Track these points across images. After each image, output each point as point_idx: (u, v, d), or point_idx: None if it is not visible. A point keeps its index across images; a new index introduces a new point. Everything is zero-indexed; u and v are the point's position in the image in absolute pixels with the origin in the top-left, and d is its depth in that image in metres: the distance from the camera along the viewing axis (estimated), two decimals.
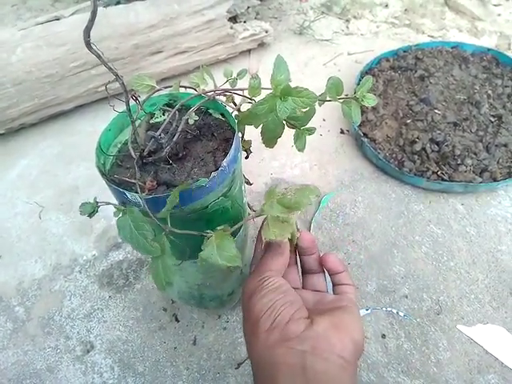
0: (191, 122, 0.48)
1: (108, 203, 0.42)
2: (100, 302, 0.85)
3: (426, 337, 0.77)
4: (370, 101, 0.45)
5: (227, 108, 0.49)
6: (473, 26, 1.52)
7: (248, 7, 1.40)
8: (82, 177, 1.08)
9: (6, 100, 1.08)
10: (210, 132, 0.50)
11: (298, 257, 0.49)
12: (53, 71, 1.09)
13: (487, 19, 1.53)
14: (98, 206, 0.42)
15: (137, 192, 0.40)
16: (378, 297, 0.82)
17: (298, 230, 0.45)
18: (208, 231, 0.39)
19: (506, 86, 1.14)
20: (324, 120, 1.18)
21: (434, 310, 0.80)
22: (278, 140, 0.45)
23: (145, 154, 0.44)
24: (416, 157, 0.99)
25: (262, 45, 1.43)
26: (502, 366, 0.73)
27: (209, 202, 0.45)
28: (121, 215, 0.39)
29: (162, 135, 0.43)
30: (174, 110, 0.46)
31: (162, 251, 0.38)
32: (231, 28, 1.29)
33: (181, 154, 0.46)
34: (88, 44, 0.32)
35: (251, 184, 0.62)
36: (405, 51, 1.29)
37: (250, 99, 0.45)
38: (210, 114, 0.53)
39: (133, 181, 0.43)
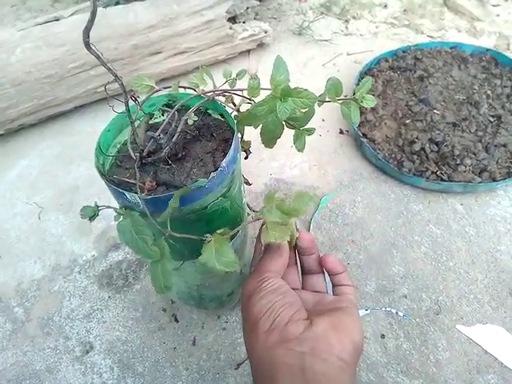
0: (190, 122, 0.48)
1: (108, 207, 0.42)
2: (99, 303, 0.85)
3: (425, 337, 0.77)
4: (369, 102, 0.45)
5: (226, 108, 0.49)
6: (472, 26, 1.52)
7: (247, 8, 1.40)
8: (82, 177, 1.08)
9: (6, 100, 1.08)
10: (210, 132, 0.50)
11: (297, 257, 0.49)
12: (52, 72, 1.09)
13: (486, 19, 1.53)
14: (99, 210, 0.42)
15: (136, 192, 0.40)
16: (377, 297, 0.82)
17: (297, 230, 0.45)
18: (207, 235, 0.39)
19: (504, 86, 1.14)
20: (323, 120, 1.18)
21: (433, 309, 0.80)
22: (278, 140, 0.45)
23: (144, 154, 0.44)
24: (415, 157, 0.99)
25: (261, 45, 1.43)
26: (502, 366, 0.73)
27: (208, 202, 0.45)
28: (121, 219, 0.39)
29: (162, 136, 0.43)
30: (174, 110, 0.46)
31: (161, 255, 0.38)
32: (230, 28, 1.29)
33: (180, 155, 0.46)
34: (87, 45, 0.32)
35: (250, 184, 0.62)
36: (404, 51, 1.30)
37: (250, 100, 0.45)
38: (210, 115, 0.53)
39: (132, 181, 0.43)
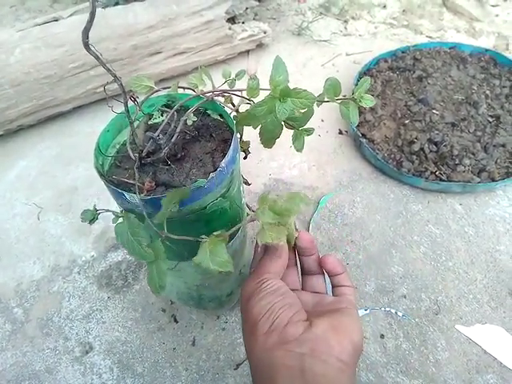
0: (190, 122, 0.48)
1: (107, 210, 0.42)
2: (99, 303, 0.85)
3: (424, 337, 0.77)
4: (368, 101, 0.45)
5: (226, 109, 0.49)
6: (471, 26, 1.52)
7: (246, 8, 1.40)
8: (81, 178, 1.08)
9: (5, 101, 1.08)
10: (209, 133, 0.50)
11: (297, 258, 0.49)
12: (51, 72, 1.09)
13: (485, 20, 1.53)
14: (98, 213, 0.43)
15: (135, 193, 0.40)
16: (376, 297, 0.82)
17: (296, 230, 0.45)
18: (203, 236, 0.39)
19: (503, 87, 1.15)
20: (322, 121, 1.18)
21: (432, 309, 0.80)
22: (277, 140, 0.45)
23: (143, 154, 0.44)
24: (414, 157, 0.99)
25: (260, 46, 1.43)
26: (501, 366, 0.73)
27: (207, 202, 0.45)
28: (119, 222, 0.39)
29: (161, 136, 0.43)
30: (173, 110, 0.46)
31: (156, 256, 0.38)
32: (230, 29, 1.30)
33: (179, 155, 0.46)
34: (86, 45, 0.32)
35: (250, 184, 0.62)
36: (403, 52, 1.30)
37: (249, 100, 0.45)
38: (209, 115, 0.53)
39: (131, 182, 0.43)
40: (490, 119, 1.06)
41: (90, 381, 0.75)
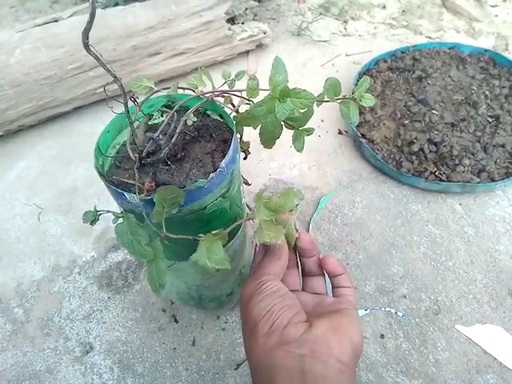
0: (189, 123, 0.49)
1: (108, 211, 0.42)
2: (99, 303, 0.85)
3: (424, 337, 0.77)
4: (368, 101, 0.45)
5: (225, 109, 0.49)
6: (470, 26, 1.52)
7: (246, 8, 1.40)
8: (81, 178, 1.08)
9: (5, 102, 1.08)
10: (209, 133, 0.50)
11: (298, 259, 0.49)
12: (51, 73, 1.09)
13: (484, 20, 1.54)
14: (99, 215, 0.43)
15: (135, 193, 0.40)
16: (376, 297, 0.82)
17: (296, 231, 0.45)
18: (201, 235, 0.39)
19: (503, 87, 1.15)
20: (322, 121, 1.19)
21: (432, 309, 0.80)
22: (277, 141, 0.46)
23: (143, 155, 0.44)
24: (414, 157, 0.99)
25: (260, 46, 1.43)
26: (501, 366, 0.73)
27: (207, 202, 0.45)
28: (119, 222, 0.39)
29: (161, 136, 0.43)
30: (173, 111, 0.46)
31: (155, 255, 0.39)
32: (229, 29, 1.30)
33: (179, 155, 0.46)
34: (86, 46, 0.32)
35: (250, 184, 0.62)
36: (402, 52, 1.30)
37: (248, 100, 0.45)
38: (209, 116, 0.53)
39: (131, 182, 0.43)
40: (490, 119, 1.06)
41: (90, 381, 0.75)
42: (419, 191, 0.99)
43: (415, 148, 0.99)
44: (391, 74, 1.22)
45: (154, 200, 0.37)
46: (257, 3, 1.44)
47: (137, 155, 0.43)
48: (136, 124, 0.48)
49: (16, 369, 0.77)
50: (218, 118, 0.52)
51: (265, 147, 0.46)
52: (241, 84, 0.49)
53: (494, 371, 0.72)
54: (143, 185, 0.42)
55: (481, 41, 1.46)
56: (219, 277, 0.65)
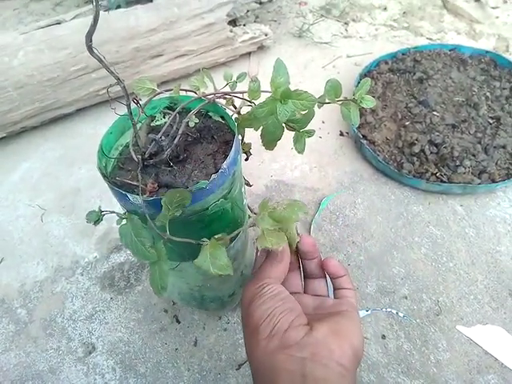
0: (191, 124, 0.49)
1: (112, 211, 0.42)
2: (101, 304, 0.85)
3: (425, 337, 0.77)
4: (369, 102, 0.45)
5: (227, 111, 0.50)
6: (471, 28, 1.53)
7: (247, 11, 1.41)
8: (84, 179, 1.08)
9: (8, 103, 1.08)
10: (210, 135, 0.50)
11: (300, 261, 0.49)
12: (54, 75, 1.10)
13: (485, 22, 1.54)
14: (103, 215, 0.43)
15: (138, 194, 0.40)
16: (377, 298, 0.83)
17: (298, 234, 0.46)
18: (204, 239, 0.40)
19: (503, 88, 1.15)
20: (323, 122, 1.19)
21: (433, 310, 0.80)
22: (278, 142, 0.46)
23: (146, 156, 0.44)
24: (415, 158, 1.00)
25: (261, 48, 1.44)
26: (502, 367, 0.73)
27: (209, 203, 0.45)
28: (123, 223, 0.40)
29: (163, 138, 0.43)
30: (175, 112, 0.46)
31: (158, 257, 0.39)
32: (231, 31, 1.30)
33: (181, 157, 0.47)
34: (90, 48, 0.33)
35: (251, 186, 0.62)
36: (403, 54, 1.30)
37: (250, 102, 0.46)
38: (210, 117, 0.53)
39: (134, 183, 0.43)
40: (491, 121, 1.06)
41: (92, 381, 0.75)
42: (420, 192, 0.99)
43: (416, 149, 1.00)
44: (392, 76, 1.23)
45: (162, 203, 0.38)
46: (258, 5, 1.44)
47: (139, 156, 0.43)
48: (139, 125, 0.48)
49: (19, 369, 0.78)
50: (220, 120, 0.53)
51: (266, 149, 0.47)
52: (242, 86, 0.49)
53: (495, 372, 0.72)
54: (146, 186, 0.43)
55: (482, 42, 1.46)
56: (220, 278, 0.65)
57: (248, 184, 0.61)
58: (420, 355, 0.75)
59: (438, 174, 0.96)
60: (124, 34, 1.15)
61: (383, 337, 0.77)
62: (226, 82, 0.51)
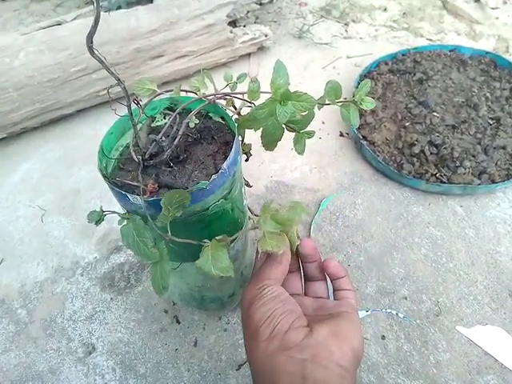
0: (192, 125, 0.49)
1: (114, 212, 0.43)
2: (102, 304, 0.85)
3: (425, 338, 0.77)
4: (369, 104, 0.46)
5: (227, 111, 0.50)
6: (471, 29, 1.53)
7: (247, 11, 1.41)
8: (84, 180, 1.08)
9: (9, 104, 1.09)
10: (211, 135, 0.51)
11: (300, 264, 0.49)
12: (55, 75, 1.10)
13: (485, 22, 1.54)
14: (105, 215, 0.43)
15: (138, 194, 0.41)
16: (377, 298, 0.83)
17: (298, 237, 0.46)
18: (205, 240, 0.40)
19: (503, 89, 1.15)
20: (323, 123, 1.19)
21: (433, 311, 0.80)
22: (278, 143, 0.46)
23: (146, 157, 0.44)
24: (415, 159, 1.00)
25: (261, 49, 1.44)
26: (502, 367, 0.73)
27: (209, 204, 0.45)
28: (125, 223, 0.40)
29: (163, 138, 0.43)
30: (175, 113, 0.46)
31: (160, 257, 0.39)
32: (231, 32, 1.30)
33: (182, 157, 0.47)
34: (91, 49, 0.33)
35: (251, 186, 0.63)
36: (403, 54, 1.30)
37: (250, 103, 0.46)
38: (211, 118, 0.53)
39: (135, 183, 0.43)
40: (491, 121, 1.06)
41: (92, 381, 0.75)
42: (420, 193, 0.99)
43: (416, 150, 1.00)
44: (392, 77, 1.23)
45: (161, 204, 0.38)
46: (258, 6, 1.44)
47: (140, 157, 0.43)
48: (139, 126, 0.49)
49: (19, 369, 0.78)
50: (220, 121, 0.53)
51: (266, 149, 0.47)
52: (242, 86, 0.49)
53: (495, 372, 0.72)
54: (146, 186, 0.43)
55: (481, 43, 1.46)
56: (221, 279, 0.66)
57: (248, 185, 0.61)
58: (420, 356, 0.75)
59: (437, 175, 0.96)
60: (124, 35, 1.15)
61: (383, 337, 0.77)
62: (226, 83, 0.51)
